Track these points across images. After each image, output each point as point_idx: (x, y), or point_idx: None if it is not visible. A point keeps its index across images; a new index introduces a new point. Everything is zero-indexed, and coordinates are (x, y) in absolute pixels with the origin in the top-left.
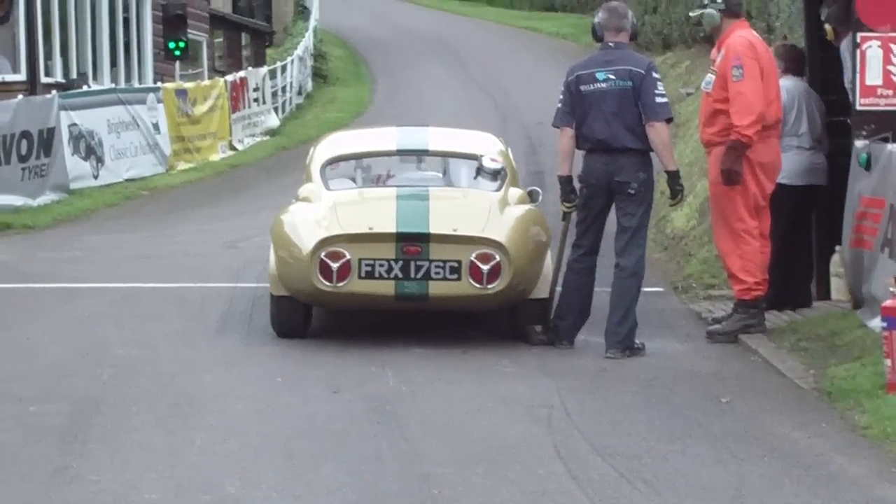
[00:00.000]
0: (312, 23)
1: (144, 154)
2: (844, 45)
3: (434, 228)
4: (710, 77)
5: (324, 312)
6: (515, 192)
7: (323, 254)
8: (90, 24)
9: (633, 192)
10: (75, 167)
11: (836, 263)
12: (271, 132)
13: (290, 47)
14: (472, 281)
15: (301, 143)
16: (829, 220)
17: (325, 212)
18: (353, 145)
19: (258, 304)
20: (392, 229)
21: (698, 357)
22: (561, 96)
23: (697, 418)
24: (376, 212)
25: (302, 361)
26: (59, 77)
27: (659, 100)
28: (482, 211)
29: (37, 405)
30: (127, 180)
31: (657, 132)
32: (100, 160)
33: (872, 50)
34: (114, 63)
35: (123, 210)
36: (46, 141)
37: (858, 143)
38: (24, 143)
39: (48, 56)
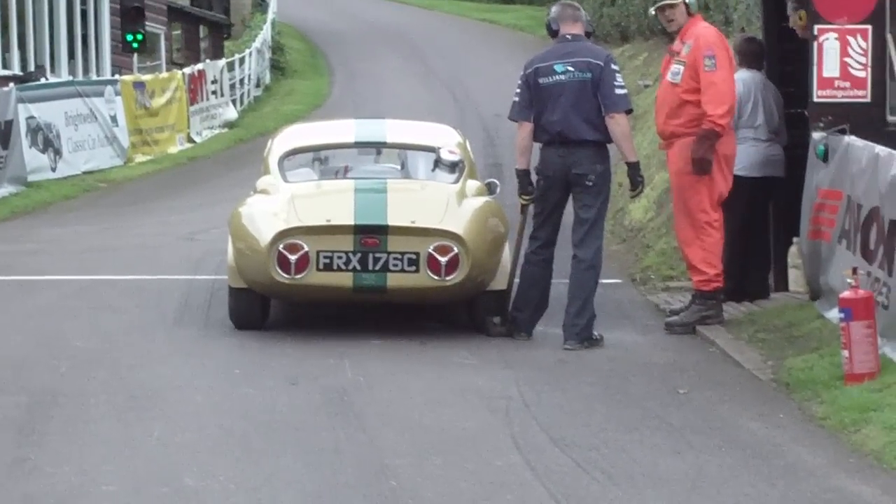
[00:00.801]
0: (271, 15)
1: (102, 146)
2: None
3: (392, 220)
4: (679, 68)
5: (282, 304)
6: (473, 184)
7: (281, 246)
8: (48, 17)
9: (590, 183)
10: (33, 160)
11: (793, 255)
12: (229, 125)
13: (248, 40)
14: (430, 273)
15: (259, 135)
16: (786, 211)
17: (283, 204)
18: (311, 137)
19: (216, 296)
20: (350, 221)
21: (656, 348)
22: (518, 90)
23: (655, 409)
24: (334, 204)
25: (260, 353)
26: (16, 69)
27: (618, 91)
28: (440, 203)
29: None
30: (85, 173)
31: (617, 123)
32: (58, 152)
33: (829, 42)
34: (71, 55)
35: (81, 202)
36: (4, 133)
37: (816, 135)
38: None
39: (6, 48)
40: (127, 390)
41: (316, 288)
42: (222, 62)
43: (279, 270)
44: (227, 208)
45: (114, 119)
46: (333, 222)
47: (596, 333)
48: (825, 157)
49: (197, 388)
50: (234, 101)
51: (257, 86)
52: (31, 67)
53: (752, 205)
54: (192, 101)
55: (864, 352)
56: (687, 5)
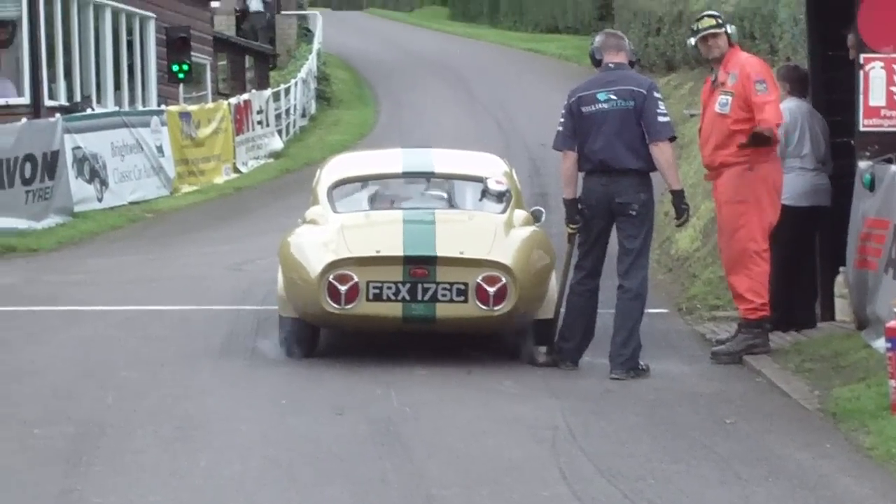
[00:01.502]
0: (316, 45)
1: (148, 177)
2: None
3: (441, 251)
4: (726, 98)
5: (328, 333)
6: (520, 214)
7: (331, 276)
8: (94, 47)
9: (634, 213)
10: (79, 190)
11: (840, 284)
12: (275, 155)
13: (293, 70)
14: (478, 303)
15: (305, 165)
16: (833, 241)
17: (332, 234)
18: (360, 168)
19: (262, 327)
20: (399, 252)
21: (703, 378)
22: (562, 119)
23: (702, 439)
24: (383, 235)
25: (306, 383)
26: (62, 100)
27: (661, 119)
28: (488, 233)
29: (41, 428)
30: (131, 203)
31: (661, 151)
32: (104, 183)
33: (875, 71)
34: (118, 86)
35: (127, 233)
36: (50, 164)
37: (862, 164)
38: (27, 166)
39: (52, 79)
40: (173, 421)
41: (366, 318)
42: (268, 92)
43: (329, 301)
44: (274, 238)
45: (160, 149)
46: (383, 253)
47: (642, 363)
48: (871, 187)
49: (243, 419)
50: (279, 132)
51: (303, 116)
52: (78, 98)
53: (799, 234)
54: (238, 131)
55: None
56: (728, 35)
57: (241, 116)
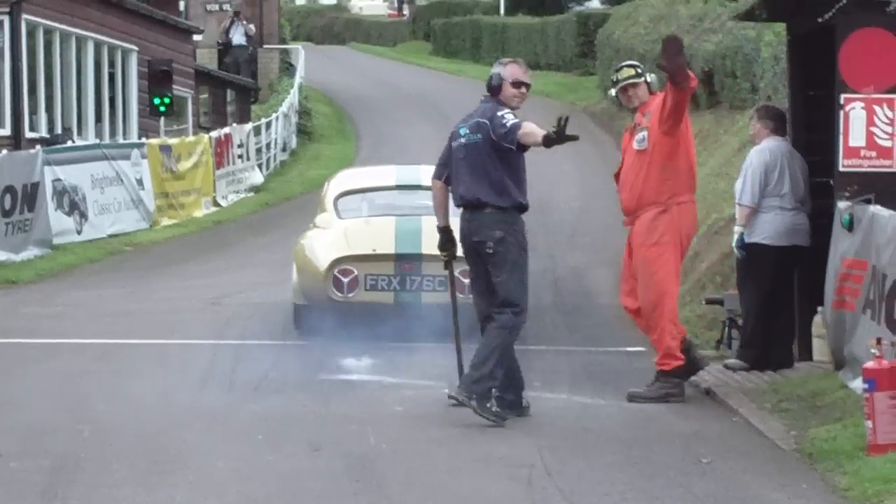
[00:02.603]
0: (298, 80)
1: (128, 210)
2: None
3: (426, 250)
4: (643, 134)
5: (302, 372)
6: None
7: (336, 270)
8: (75, 80)
9: (490, 251)
10: (59, 222)
11: (818, 324)
12: (255, 189)
13: (275, 104)
14: (458, 292)
15: (285, 200)
16: (811, 280)
17: (337, 236)
18: (360, 181)
19: (241, 361)
20: (392, 251)
21: (679, 417)
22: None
23: (678, 478)
24: (379, 236)
25: (283, 419)
26: (43, 132)
27: (509, 123)
28: None
29: (18, 461)
30: (110, 236)
31: (524, 135)
32: (83, 215)
33: (856, 111)
34: (98, 118)
35: (107, 266)
36: (30, 196)
37: (841, 205)
38: (7, 197)
39: (33, 111)
40: (150, 455)
41: (364, 304)
42: (249, 126)
43: (334, 290)
44: (253, 273)
45: (140, 182)
46: (378, 251)
47: (494, 408)
48: (850, 227)
49: (220, 454)
50: (260, 166)
51: (283, 150)
52: (58, 130)
53: (778, 274)
54: (219, 164)
55: (887, 422)
56: (648, 84)
57: (221, 150)
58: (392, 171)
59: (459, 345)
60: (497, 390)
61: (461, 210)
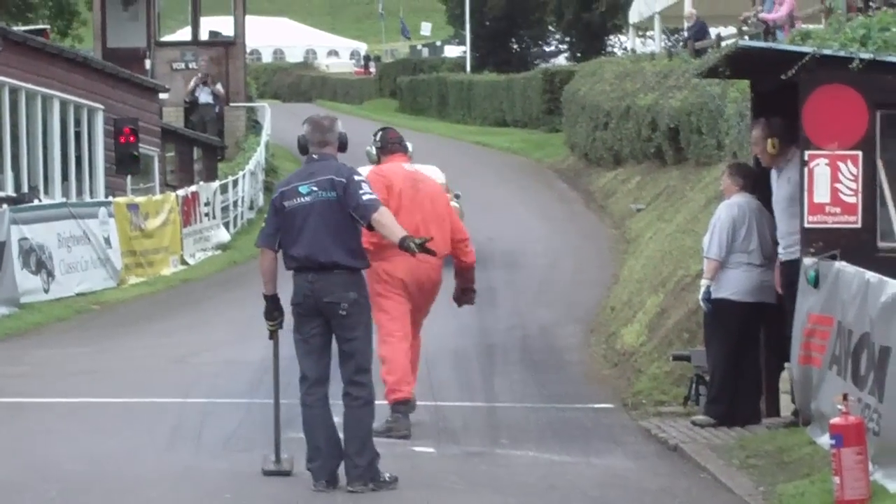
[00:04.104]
0: (265, 137)
1: (95, 268)
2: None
3: None
4: None
5: (272, 425)
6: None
7: None
8: (41, 138)
9: (343, 313)
10: (25, 281)
11: (785, 380)
12: (222, 247)
13: (241, 162)
14: None
15: (252, 257)
16: (778, 336)
17: None
18: None
19: (207, 420)
20: None
21: (648, 474)
22: (267, 216)
23: None
24: None
25: (251, 478)
26: (9, 191)
27: (367, 197)
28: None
29: None
30: (78, 294)
31: (378, 222)
32: (50, 274)
33: (820, 168)
34: (65, 177)
35: (74, 324)
36: None
37: (807, 261)
38: None
39: None
40: None
41: None
42: (216, 184)
43: None
44: (220, 330)
45: (107, 241)
46: None
47: (386, 475)
48: (816, 283)
49: None
50: (226, 224)
51: (250, 208)
52: (25, 189)
53: (744, 330)
54: (186, 223)
55: (855, 478)
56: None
57: (188, 208)
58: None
59: (278, 414)
60: (308, 460)
61: (297, 273)
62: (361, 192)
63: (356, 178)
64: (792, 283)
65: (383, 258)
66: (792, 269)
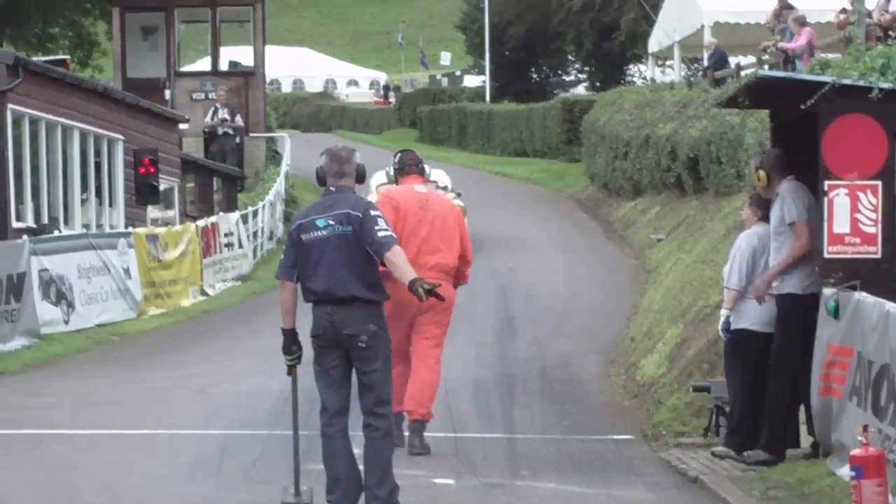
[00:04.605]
0: (284, 168)
1: (115, 299)
2: (784, 188)
3: None
4: None
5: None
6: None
7: None
8: (61, 169)
9: (363, 345)
10: (46, 312)
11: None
12: (242, 277)
13: (261, 192)
14: None
15: (272, 288)
16: (798, 367)
17: None
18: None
19: (228, 451)
20: None
21: None
22: (285, 248)
23: None
24: None
25: None
26: (30, 222)
27: (382, 233)
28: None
29: None
30: (98, 325)
31: (393, 255)
32: (70, 305)
33: (840, 198)
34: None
35: (94, 355)
36: (17, 286)
37: (827, 291)
38: None
39: (19, 200)
40: None
41: None
42: (235, 215)
43: None
44: (240, 361)
45: (127, 271)
46: None
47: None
48: (836, 314)
49: None
50: (247, 255)
51: (270, 238)
52: (45, 220)
53: (764, 360)
54: (206, 253)
55: None
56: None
57: (208, 239)
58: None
59: (298, 445)
60: (328, 492)
61: (316, 306)
62: (377, 227)
63: (372, 212)
64: (782, 318)
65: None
66: (781, 302)
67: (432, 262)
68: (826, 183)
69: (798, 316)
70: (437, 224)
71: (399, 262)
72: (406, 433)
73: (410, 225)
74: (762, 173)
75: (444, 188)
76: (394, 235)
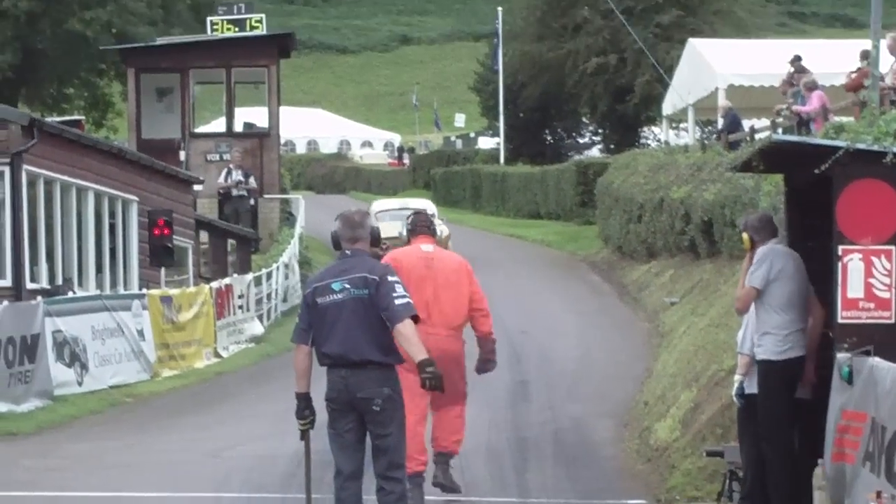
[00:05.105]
0: (298, 229)
1: (129, 361)
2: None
3: None
4: None
5: None
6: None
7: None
8: (76, 230)
9: (377, 408)
10: (59, 374)
11: (818, 476)
12: (256, 339)
13: (275, 254)
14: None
15: (286, 350)
16: (811, 432)
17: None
18: (386, 206)
19: None
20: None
21: None
22: (300, 311)
23: None
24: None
25: None
26: (44, 283)
27: (399, 301)
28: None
29: None
30: (111, 387)
31: (400, 333)
32: (84, 367)
33: (854, 263)
34: (99, 269)
35: (107, 417)
36: (30, 347)
37: (840, 356)
38: (8, 348)
39: (34, 262)
40: None
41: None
42: (249, 276)
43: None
44: (254, 424)
45: (140, 333)
46: (396, 237)
47: None
48: (850, 379)
49: None
50: (260, 316)
51: (284, 300)
52: (59, 281)
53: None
54: (219, 315)
55: None
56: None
57: (222, 301)
58: (397, 202)
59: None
60: None
61: (330, 369)
62: (395, 294)
63: (390, 278)
64: (761, 385)
65: None
66: (759, 369)
67: (438, 318)
68: (840, 248)
69: (776, 380)
70: (441, 281)
71: (408, 335)
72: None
73: (415, 283)
74: (745, 236)
75: (432, 216)
76: (411, 303)
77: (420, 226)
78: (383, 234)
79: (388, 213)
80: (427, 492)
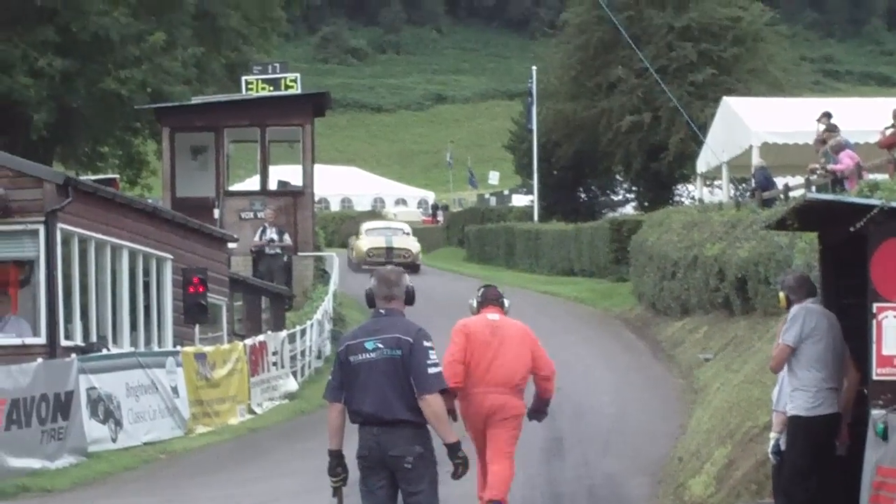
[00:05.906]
0: (332, 286)
1: (163, 417)
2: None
3: (395, 244)
4: None
5: None
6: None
7: (367, 251)
8: (110, 288)
9: (409, 466)
10: (93, 430)
11: None
12: (290, 396)
13: (309, 311)
14: (404, 257)
15: (320, 407)
16: (847, 488)
17: (365, 241)
18: (373, 225)
19: None
20: (383, 245)
21: None
22: (333, 369)
23: None
24: (380, 241)
25: None
26: (78, 340)
27: (431, 370)
28: (409, 240)
29: None
30: (145, 444)
31: (428, 404)
32: (118, 423)
33: (888, 320)
34: (133, 326)
35: (142, 474)
36: (64, 404)
37: (875, 413)
38: (43, 405)
39: (68, 319)
40: None
41: (375, 263)
42: (283, 333)
43: (367, 259)
44: (288, 482)
45: (175, 390)
46: (381, 246)
47: None
48: (885, 436)
49: None
50: (294, 373)
51: (318, 357)
52: (93, 338)
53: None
54: (253, 372)
55: None
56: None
57: (256, 357)
58: (383, 222)
59: None
60: None
61: (362, 427)
62: (428, 361)
63: (425, 343)
64: (789, 441)
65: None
66: (789, 424)
67: (498, 379)
68: (875, 305)
69: (804, 436)
70: (503, 346)
71: (437, 412)
72: None
73: (480, 347)
74: (781, 295)
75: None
76: (442, 375)
77: (489, 298)
78: (369, 246)
79: (375, 231)
80: None
